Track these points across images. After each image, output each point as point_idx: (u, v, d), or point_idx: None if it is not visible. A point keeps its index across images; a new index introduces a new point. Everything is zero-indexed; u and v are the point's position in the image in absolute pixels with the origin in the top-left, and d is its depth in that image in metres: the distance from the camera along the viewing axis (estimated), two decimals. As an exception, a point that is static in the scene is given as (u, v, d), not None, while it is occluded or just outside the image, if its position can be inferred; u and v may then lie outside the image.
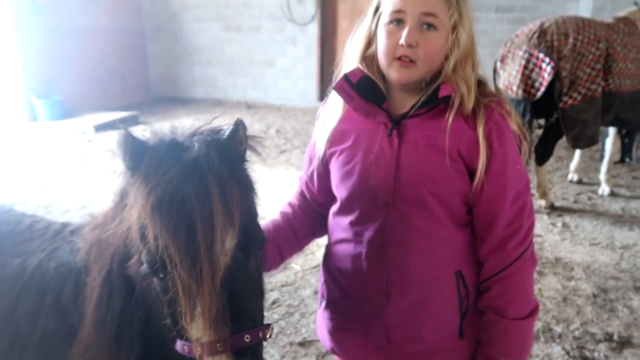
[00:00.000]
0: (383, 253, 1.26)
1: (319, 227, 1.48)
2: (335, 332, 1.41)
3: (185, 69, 10.79)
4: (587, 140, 4.38)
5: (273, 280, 3.40)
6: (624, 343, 2.78)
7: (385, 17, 1.23)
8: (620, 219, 4.50)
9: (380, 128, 1.26)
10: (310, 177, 1.43)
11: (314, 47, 9.92)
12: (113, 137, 7.34)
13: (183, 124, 1.10)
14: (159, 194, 0.91)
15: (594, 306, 3.14)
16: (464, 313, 1.28)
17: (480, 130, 1.19)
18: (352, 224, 1.31)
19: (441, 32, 1.19)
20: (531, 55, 4.24)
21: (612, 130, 5.11)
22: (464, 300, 1.27)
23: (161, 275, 0.96)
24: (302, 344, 2.78)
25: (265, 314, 3.14)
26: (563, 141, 7.02)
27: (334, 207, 1.37)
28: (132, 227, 0.97)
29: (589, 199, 5.00)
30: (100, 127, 7.67)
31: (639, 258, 3.77)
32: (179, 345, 0.97)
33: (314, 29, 9.83)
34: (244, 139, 1.03)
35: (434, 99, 1.21)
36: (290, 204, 1.50)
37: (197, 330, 0.92)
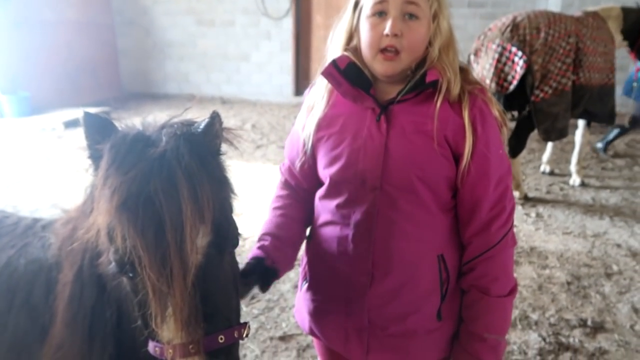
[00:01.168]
0: (369, 235, 1.28)
1: (309, 213, 1.47)
2: (316, 313, 1.43)
3: (157, 64, 10.59)
4: (558, 133, 4.47)
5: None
6: (598, 328, 2.85)
7: (367, 9, 1.24)
8: (591, 209, 4.62)
9: (368, 113, 1.27)
10: (294, 164, 1.42)
11: (289, 41, 9.86)
12: (83, 133, 7.13)
13: (154, 118, 1.05)
14: (123, 194, 0.86)
15: (568, 293, 3.21)
16: (444, 295, 1.30)
17: (466, 115, 1.21)
18: (338, 206, 1.32)
19: (423, 20, 1.21)
20: (504, 49, 4.30)
21: (581, 123, 5.22)
22: (444, 283, 1.30)
23: (130, 275, 0.91)
24: (283, 338, 2.76)
25: (245, 309, 3.11)
26: (535, 134, 7.17)
27: (321, 191, 1.38)
28: (99, 228, 0.92)
29: (561, 189, 5.11)
30: (70, 124, 7.47)
31: (609, 246, 3.87)
32: (151, 346, 0.93)
33: (288, 24, 9.76)
34: (220, 132, 0.99)
35: (421, 84, 1.23)
36: (280, 197, 1.49)
37: (169, 331, 0.88)
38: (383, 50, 1.22)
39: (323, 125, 1.33)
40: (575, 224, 4.28)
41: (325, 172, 1.33)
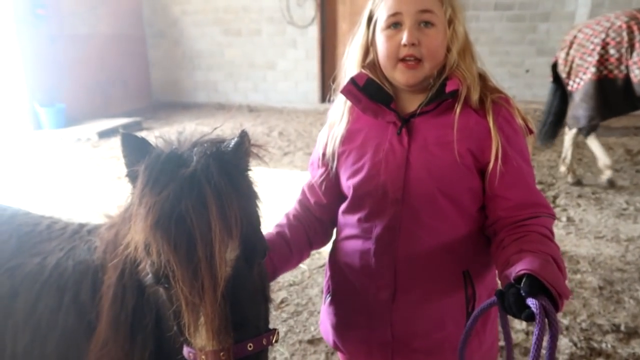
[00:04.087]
0: (391, 249, 1.27)
1: (315, 236, 1.46)
2: (339, 327, 1.43)
3: (186, 74, 10.85)
4: None
5: (281, 280, 3.42)
6: (631, 334, 2.79)
7: (381, 23, 1.25)
8: (624, 212, 4.51)
9: (390, 127, 1.28)
10: (317, 180, 1.43)
11: (315, 49, 9.96)
12: (117, 143, 7.35)
13: (187, 131, 1.11)
14: (157, 213, 0.92)
15: (600, 298, 3.15)
16: (470, 312, 1.27)
17: (491, 121, 1.21)
18: (360, 220, 1.32)
19: (439, 27, 1.22)
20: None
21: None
22: (470, 299, 1.27)
23: (166, 286, 0.98)
24: (311, 341, 2.80)
25: (274, 313, 3.16)
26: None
27: (343, 205, 1.38)
28: (136, 245, 0.99)
29: (593, 193, 5.01)
30: (104, 134, 7.73)
31: (644, 250, 3.78)
32: (186, 351, 1.00)
33: (314, 31, 9.87)
34: (248, 150, 1.03)
35: (441, 94, 1.23)
36: (286, 215, 1.49)
37: (201, 340, 0.94)
38: (403, 60, 1.23)
39: (344, 141, 1.34)
40: (608, 228, 4.19)
41: (347, 185, 1.34)
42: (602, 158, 5.13)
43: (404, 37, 1.20)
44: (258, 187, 1.12)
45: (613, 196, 4.90)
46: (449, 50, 1.25)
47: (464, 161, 1.21)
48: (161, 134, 1.10)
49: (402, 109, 1.30)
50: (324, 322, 1.51)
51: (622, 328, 2.83)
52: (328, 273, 1.49)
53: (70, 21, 8.76)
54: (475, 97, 1.23)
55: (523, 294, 0.93)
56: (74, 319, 1.24)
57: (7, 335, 1.32)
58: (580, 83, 4.79)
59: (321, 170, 1.42)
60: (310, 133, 7.88)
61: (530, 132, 1.28)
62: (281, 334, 2.85)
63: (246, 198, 1.03)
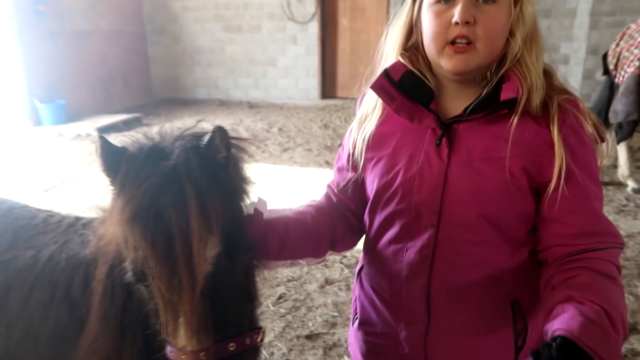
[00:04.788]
0: (425, 278, 1.09)
1: (342, 237, 1.25)
2: (369, 354, 1.27)
3: (187, 70, 10.84)
4: None
5: (279, 275, 3.42)
6: (631, 329, 2.78)
7: None
8: (624, 209, 4.50)
9: (427, 133, 1.07)
10: (342, 187, 1.25)
11: (315, 45, 9.94)
12: (117, 139, 7.37)
13: (171, 127, 1.07)
14: (134, 207, 0.89)
15: (600, 295, 3.15)
16: (520, 347, 1.09)
17: (555, 133, 0.99)
18: (390, 241, 1.14)
19: (502, 4, 0.99)
20: None
21: None
22: (520, 333, 1.09)
23: (145, 283, 0.95)
24: (309, 337, 2.80)
25: (272, 308, 3.16)
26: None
27: (373, 219, 1.19)
28: (113, 237, 0.97)
29: (593, 189, 5.00)
30: (104, 130, 7.71)
31: (643, 247, 3.77)
32: (168, 350, 0.97)
33: (314, 28, 9.85)
34: (221, 146, 0.97)
35: (493, 102, 1.01)
36: (309, 204, 1.28)
37: (180, 339, 0.92)
38: (452, 43, 1.00)
39: (373, 145, 1.14)
40: (608, 225, 4.18)
41: (374, 200, 1.16)
42: (623, 167, 4.93)
43: (456, 14, 0.97)
44: (244, 181, 1.08)
45: (613, 192, 4.89)
46: (511, 35, 1.01)
47: (517, 182, 1.01)
48: (142, 131, 1.07)
49: (444, 110, 1.09)
50: (352, 345, 1.36)
51: (621, 324, 2.83)
52: (356, 292, 1.33)
53: (70, 17, 8.74)
54: (537, 102, 1.00)
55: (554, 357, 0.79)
56: (66, 313, 1.24)
57: (1, 329, 1.31)
58: (625, 76, 4.55)
59: (349, 174, 1.23)
60: (310, 129, 7.87)
61: (602, 140, 1.06)
62: (279, 330, 2.84)
63: (228, 193, 1.00)
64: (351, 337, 1.37)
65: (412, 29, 1.11)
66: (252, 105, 10.14)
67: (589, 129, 1.02)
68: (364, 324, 1.28)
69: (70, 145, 7.12)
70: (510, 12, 1.00)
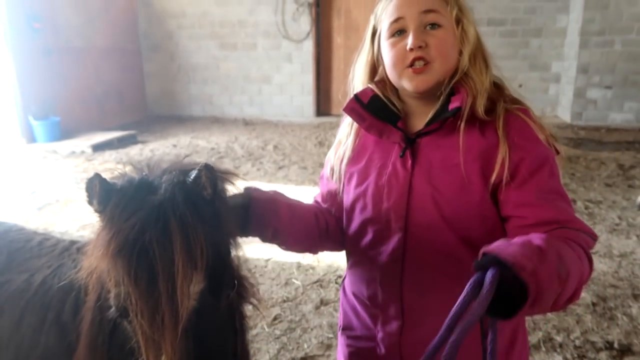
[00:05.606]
0: (398, 279, 1.19)
1: (333, 228, 1.35)
2: (350, 358, 1.35)
3: (182, 87, 10.88)
4: None
5: (274, 296, 3.40)
6: (624, 351, 2.78)
7: (385, 33, 1.18)
8: (617, 228, 4.53)
9: (395, 148, 1.20)
10: (326, 198, 1.37)
11: (310, 63, 10.03)
12: (112, 156, 7.41)
13: (157, 156, 1.07)
14: (120, 241, 0.89)
15: (594, 315, 3.15)
16: (490, 349, 1.11)
17: (500, 130, 1.08)
18: (366, 248, 1.24)
19: (447, 27, 1.13)
20: None
21: None
22: (487, 330, 1.13)
23: (127, 319, 0.95)
24: (304, 359, 2.77)
25: (267, 330, 3.14)
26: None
27: (349, 229, 1.30)
28: (97, 270, 0.96)
29: (586, 208, 5.03)
30: (99, 147, 7.71)
31: (636, 266, 3.79)
32: None
33: (309, 46, 9.95)
34: (207, 184, 0.97)
35: (443, 112, 1.13)
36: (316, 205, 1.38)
37: None
38: (411, 65, 1.13)
39: (350, 162, 1.27)
40: (601, 244, 4.19)
41: (351, 210, 1.27)
42: None
43: (409, 41, 1.11)
44: (232, 217, 1.07)
45: (606, 211, 4.92)
46: (460, 53, 1.14)
47: (473, 187, 1.09)
48: (130, 161, 1.07)
49: (411, 127, 1.21)
50: (338, 352, 1.44)
51: (616, 345, 2.82)
52: (341, 300, 1.42)
53: (66, 34, 8.78)
54: (481, 107, 1.10)
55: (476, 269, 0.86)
56: (55, 338, 1.23)
57: None
58: None
59: (330, 188, 1.35)
60: (305, 147, 7.89)
61: (556, 152, 1.13)
62: (274, 352, 2.82)
63: (214, 228, 0.99)
64: (338, 346, 1.45)
65: (375, 65, 1.25)
66: (247, 123, 10.18)
67: (541, 136, 1.10)
68: (346, 329, 1.37)
69: (64, 163, 7.09)
70: (455, 33, 1.14)
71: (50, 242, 1.48)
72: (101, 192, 0.95)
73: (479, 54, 1.16)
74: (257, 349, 2.82)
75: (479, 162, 1.10)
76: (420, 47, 1.11)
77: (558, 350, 2.80)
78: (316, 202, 1.43)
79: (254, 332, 2.93)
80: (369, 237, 1.23)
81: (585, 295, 3.36)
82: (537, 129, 1.10)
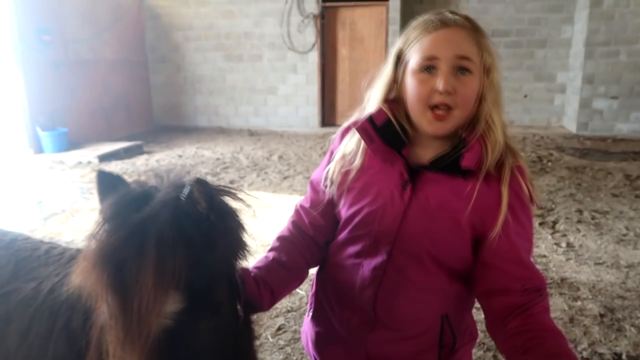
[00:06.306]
0: (373, 291, 1.27)
1: (312, 257, 1.42)
2: (318, 342, 1.45)
3: (188, 98, 10.97)
4: None
5: (278, 306, 3.39)
6: (633, 362, 2.75)
7: (413, 64, 1.18)
8: (624, 238, 4.49)
9: (396, 175, 1.23)
10: (317, 206, 1.41)
11: (315, 74, 10.10)
12: (118, 166, 7.46)
13: (177, 169, 1.07)
14: (100, 257, 0.91)
15: (601, 326, 3.11)
16: (443, 356, 1.29)
17: (505, 193, 1.14)
18: (351, 255, 1.31)
19: (475, 75, 1.16)
20: None
21: None
22: (445, 346, 1.28)
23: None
24: (309, 369, 2.76)
25: (271, 340, 3.12)
26: (565, 161, 7.05)
27: (340, 232, 1.36)
28: (84, 282, 0.96)
29: (593, 218, 5.00)
30: (105, 157, 7.76)
31: (644, 276, 3.75)
32: None
33: (314, 57, 10.02)
34: (200, 199, 0.95)
35: (454, 163, 1.17)
36: (278, 238, 1.44)
37: None
38: (434, 108, 1.15)
39: (352, 176, 1.30)
40: (608, 254, 4.17)
41: (344, 223, 1.33)
42: None
43: (441, 84, 1.13)
44: (230, 234, 1.05)
45: (613, 222, 4.89)
46: (484, 99, 1.18)
47: (462, 233, 1.18)
48: (153, 169, 1.08)
49: (414, 155, 1.25)
50: (304, 333, 1.53)
51: (624, 357, 2.79)
52: (314, 287, 1.48)
53: (74, 47, 8.89)
54: (493, 163, 1.16)
55: None
56: (65, 346, 1.23)
57: None
58: None
59: (323, 196, 1.38)
60: (310, 157, 7.92)
61: (533, 202, 1.21)
62: (278, 362, 2.81)
63: (200, 249, 0.95)
64: (305, 326, 1.52)
65: (392, 87, 1.27)
66: (252, 133, 10.22)
67: (527, 192, 1.18)
68: (317, 317, 1.44)
69: (71, 173, 7.15)
70: (481, 81, 1.17)
71: (57, 250, 1.49)
72: (102, 189, 0.99)
73: (499, 100, 1.20)
74: (262, 359, 2.81)
75: (474, 213, 1.16)
76: (448, 92, 1.13)
77: (565, 361, 2.77)
78: (301, 210, 1.44)
79: (257, 342, 2.92)
80: (356, 248, 1.30)
81: (593, 307, 3.34)
82: (526, 186, 1.18)
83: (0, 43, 7.78)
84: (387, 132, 1.24)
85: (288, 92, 10.37)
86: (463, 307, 1.31)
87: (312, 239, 1.41)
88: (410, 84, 1.19)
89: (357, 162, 1.30)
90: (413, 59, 1.18)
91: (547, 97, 9.70)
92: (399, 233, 1.21)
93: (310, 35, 9.95)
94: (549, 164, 6.90)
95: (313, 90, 10.18)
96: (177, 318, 0.92)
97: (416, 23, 1.22)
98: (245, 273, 1.27)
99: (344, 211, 1.33)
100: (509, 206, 1.14)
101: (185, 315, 0.93)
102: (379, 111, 1.26)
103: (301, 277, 1.42)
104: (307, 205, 1.44)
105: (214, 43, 10.56)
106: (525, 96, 9.73)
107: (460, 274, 1.25)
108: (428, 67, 1.16)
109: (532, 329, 1.09)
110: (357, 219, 1.28)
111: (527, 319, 1.10)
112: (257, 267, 1.34)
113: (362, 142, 1.29)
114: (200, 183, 0.95)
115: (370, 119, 1.25)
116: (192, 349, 0.96)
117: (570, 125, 9.31)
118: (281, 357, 2.86)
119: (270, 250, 1.41)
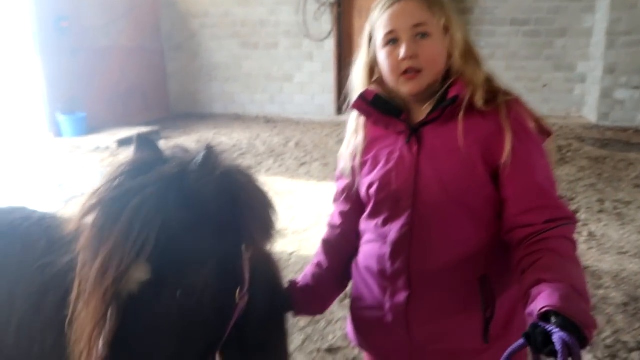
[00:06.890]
0: (405, 254, 1.30)
1: (351, 258, 1.50)
2: (360, 326, 1.48)
3: (204, 85, 10.98)
4: None
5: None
6: (656, 350, 2.72)
7: (379, 41, 1.31)
8: (647, 228, 4.44)
9: (401, 137, 1.32)
10: (340, 191, 1.50)
11: (331, 62, 10.03)
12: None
13: (195, 146, 1.11)
14: (89, 208, 0.99)
15: (625, 315, 3.08)
16: (489, 318, 1.27)
17: (503, 118, 1.22)
18: (377, 226, 1.36)
19: (435, 36, 1.27)
20: None
21: None
22: (488, 305, 1.27)
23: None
24: (329, 350, 2.78)
25: (291, 321, 3.16)
26: (586, 151, 6.96)
27: (364, 213, 1.42)
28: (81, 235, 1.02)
29: (615, 208, 4.94)
30: (123, 142, 7.82)
31: (668, 266, 3.70)
32: None
33: (330, 45, 9.95)
34: (213, 167, 1.00)
35: (442, 101, 1.27)
36: (321, 242, 1.55)
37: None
38: (405, 72, 1.27)
39: (362, 152, 1.39)
40: (631, 244, 4.12)
41: (365, 195, 1.39)
42: None
43: (401, 52, 1.25)
44: (238, 212, 1.07)
45: (635, 212, 4.82)
46: (450, 56, 1.29)
47: (475, 168, 1.23)
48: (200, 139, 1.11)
49: (413, 119, 1.34)
50: (350, 323, 1.55)
51: (649, 345, 2.76)
52: (353, 277, 1.51)
53: (91, 34, 8.94)
54: (480, 99, 1.24)
55: (549, 331, 0.91)
56: None
57: (37, 329, 1.32)
58: None
59: (345, 182, 1.47)
60: (326, 144, 7.90)
61: (548, 133, 1.29)
62: (298, 343, 2.83)
63: (179, 230, 0.97)
64: (349, 316, 1.56)
65: (373, 67, 1.37)
66: (268, 120, 10.23)
67: (532, 124, 1.24)
68: (356, 300, 1.48)
69: (90, 157, 7.22)
70: (443, 41, 1.28)
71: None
72: (137, 150, 1.08)
73: (470, 54, 1.30)
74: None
75: (478, 146, 1.22)
76: (411, 57, 1.24)
77: (588, 349, 2.75)
78: (334, 221, 1.53)
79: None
80: (382, 216, 1.34)
81: (616, 295, 3.30)
82: (528, 117, 1.25)
83: (19, 30, 7.85)
84: (379, 104, 1.35)
85: (304, 80, 10.32)
86: (504, 269, 1.27)
87: (348, 241, 1.49)
88: (382, 58, 1.31)
89: (360, 136, 1.39)
90: (378, 37, 1.31)
91: (566, 87, 9.53)
92: (416, 185, 1.27)
93: (326, 23, 9.87)
94: (569, 154, 6.81)
95: (329, 78, 10.12)
96: (142, 289, 0.95)
97: (375, 4, 1.33)
98: (292, 284, 1.48)
99: (364, 185, 1.38)
100: (513, 133, 1.20)
101: (151, 288, 0.95)
102: (367, 89, 1.37)
103: (343, 279, 1.53)
104: (336, 197, 1.54)
105: (230, 31, 10.53)
106: (545, 86, 9.58)
107: (493, 225, 1.26)
108: (392, 40, 1.28)
109: (534, 250, 1.12)
110: (375, 186, 1.34)
111: (536, 244, 1.13)
112: (304, 275, 1.50)
113: (360, 118, 1.40)
114: (212, 153, 1.01)
115: (362, 96, 1.36)
116: (152, 323, 0.97)
117: (590, 115, 9.16)
118: (302, 337, 2.88)
119: (316, 255, 1.54)
